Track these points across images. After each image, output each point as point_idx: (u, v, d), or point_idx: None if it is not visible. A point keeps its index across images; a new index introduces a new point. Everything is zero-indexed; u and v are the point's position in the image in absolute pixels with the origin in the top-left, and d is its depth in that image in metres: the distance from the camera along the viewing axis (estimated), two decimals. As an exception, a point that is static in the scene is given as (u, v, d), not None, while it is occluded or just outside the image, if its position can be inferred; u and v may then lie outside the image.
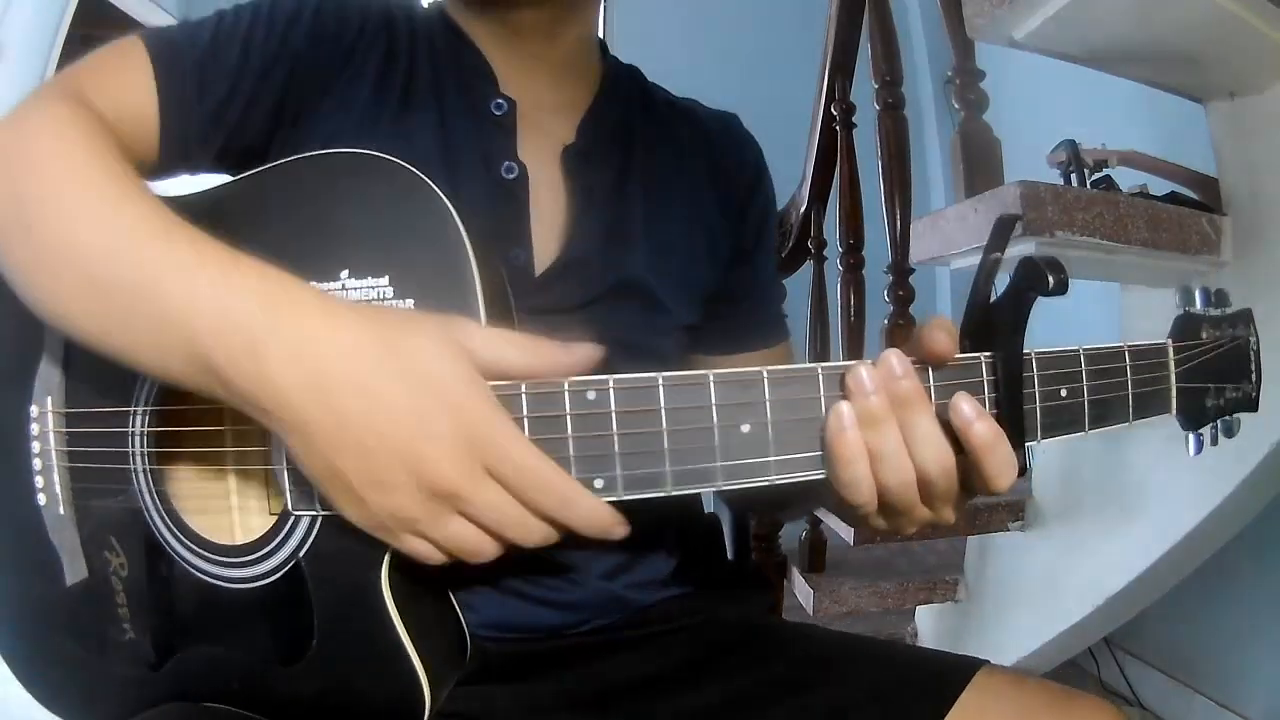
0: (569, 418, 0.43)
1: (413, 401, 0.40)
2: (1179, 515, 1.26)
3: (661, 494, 0.44)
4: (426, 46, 0.65)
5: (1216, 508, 1.21)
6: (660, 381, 0.43)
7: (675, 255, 0.67)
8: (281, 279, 0.43)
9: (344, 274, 0.48)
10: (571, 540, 0.44)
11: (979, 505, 1.55)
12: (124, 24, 3.27)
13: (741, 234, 0.73)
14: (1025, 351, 0.46)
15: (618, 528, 0.43)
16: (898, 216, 1.45)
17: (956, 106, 1.55)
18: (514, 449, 0.41)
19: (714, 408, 0.44)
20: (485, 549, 0.43)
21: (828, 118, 1.69)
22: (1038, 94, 2.09)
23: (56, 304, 0.46)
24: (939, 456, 0.44)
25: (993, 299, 0.46)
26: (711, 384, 0.44)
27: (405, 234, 0.48)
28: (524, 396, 0.44)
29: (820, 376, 0.45)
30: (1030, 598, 1.55)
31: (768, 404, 0.44)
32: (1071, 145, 1.41)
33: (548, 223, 0.63)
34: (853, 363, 0.44)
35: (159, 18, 3.33)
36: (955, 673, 0.58)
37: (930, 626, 1.82)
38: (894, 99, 1.49)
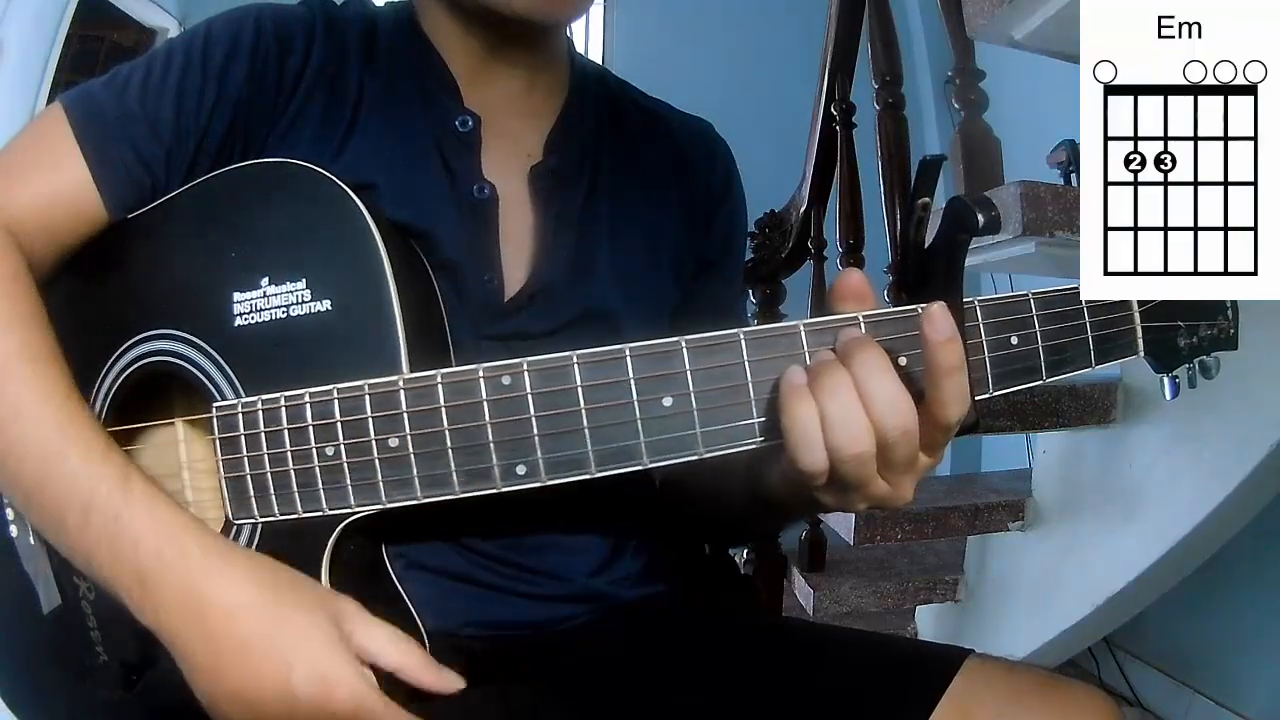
0: (485, 404, 0.44)
1: (282, 681, 0.45)
2: (1179, 515, 1.26)
3: (587, 476, 0.45)
4: (381, 60, 0.62)
5: (1216, 508, 1.20)
6: (575, 360, 0.44)
7: (639, 279, 0.66)
8: (171, 527, 0.46)
9: (264, 282, 0.49)
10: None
11: (979, 505, 1.54)
12: (124, 24, 3.27)
13: (705, 248, 0.72)
14: (968, 300, 0.44)
15: None
16: (898, 216, 1.45)
17: (956, 106, 1.55)
18: None
19: (633, 383, 0.43)
20: None
21: (828, 118, 1.68)
22: (1038, 94, 2.09)
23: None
24: (898, 415, 0.41)
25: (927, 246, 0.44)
26: (629, 359, 0.44)
27: (318, 234, 0.50)
28: (440, 387, 0.45)
29: (743, 343, 0.43)
30: (1030, 598, 1.55)
31: (689, 375, 0.43)
32: (1071, 145, 1.41)
33: (516, 245, 0.62)
34: (777, 324, 0.44)
35: (159, 18, 3.33)
36: (945, 661, 0.57)
37: (930, 626, 1.82)
38: (894, 99, 1.49)
